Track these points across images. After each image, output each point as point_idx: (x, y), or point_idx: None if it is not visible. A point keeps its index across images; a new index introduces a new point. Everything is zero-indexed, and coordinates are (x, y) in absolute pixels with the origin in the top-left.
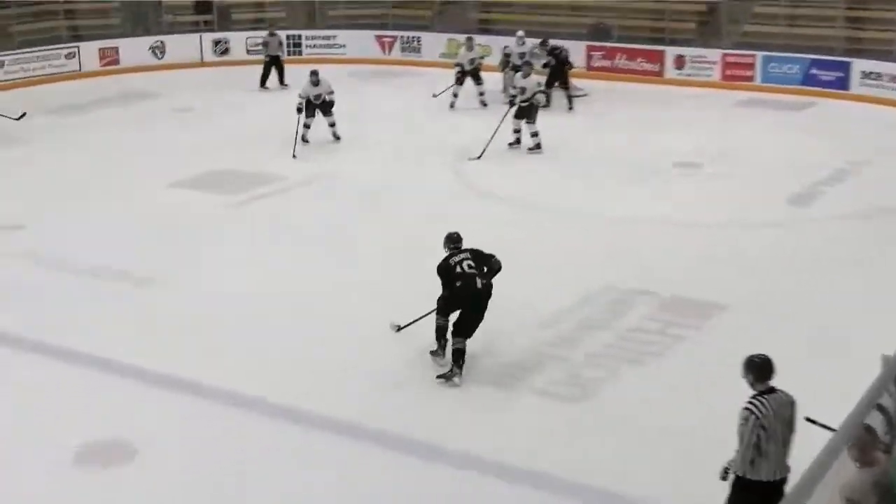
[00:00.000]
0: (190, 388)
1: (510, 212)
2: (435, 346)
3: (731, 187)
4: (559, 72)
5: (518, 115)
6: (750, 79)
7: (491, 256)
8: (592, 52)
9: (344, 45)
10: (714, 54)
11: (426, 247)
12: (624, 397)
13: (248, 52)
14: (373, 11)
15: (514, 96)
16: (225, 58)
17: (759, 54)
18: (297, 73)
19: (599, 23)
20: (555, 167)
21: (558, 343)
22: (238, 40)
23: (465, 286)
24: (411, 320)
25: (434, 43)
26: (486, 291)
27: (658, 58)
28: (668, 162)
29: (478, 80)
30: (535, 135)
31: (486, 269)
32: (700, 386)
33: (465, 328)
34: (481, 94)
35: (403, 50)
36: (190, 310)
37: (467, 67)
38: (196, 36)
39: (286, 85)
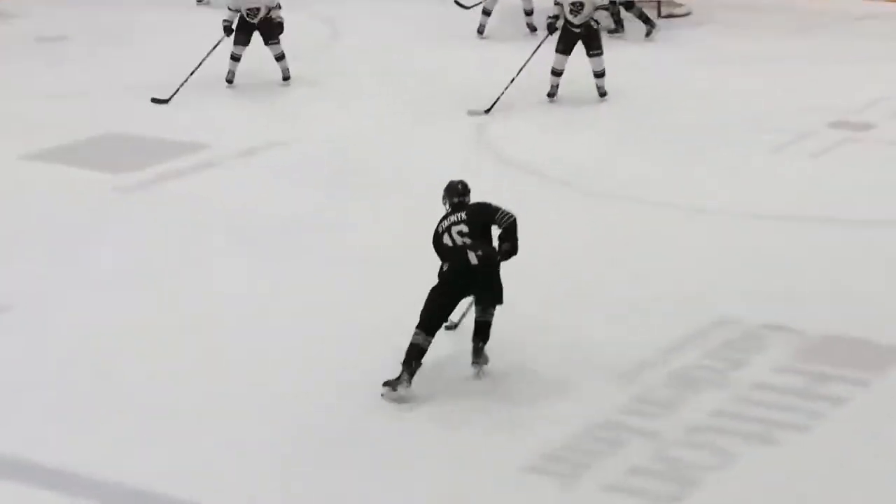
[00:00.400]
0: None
1: (559, 198)
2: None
3: None
4: None
5: (564, 48)
6: None
7: (496, 211)
8: None
9: None
10: None
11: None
12: (743, 496)
13: None
14: None
15: (556, 17)
16: None
17: None
18: None
19: None
20: (632, 128)
21: (641, 409)
22: None
23: (455, 264)
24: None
25: None
26: (488, 264)
27: None
28: (819, 120)
29: None
30: (600, 75)
31: (502, 231)
32: (870, 477)
33: (488, 300)
34: (528, 13)
35: None
36: (51, 350)
37: None
38: None
39: None
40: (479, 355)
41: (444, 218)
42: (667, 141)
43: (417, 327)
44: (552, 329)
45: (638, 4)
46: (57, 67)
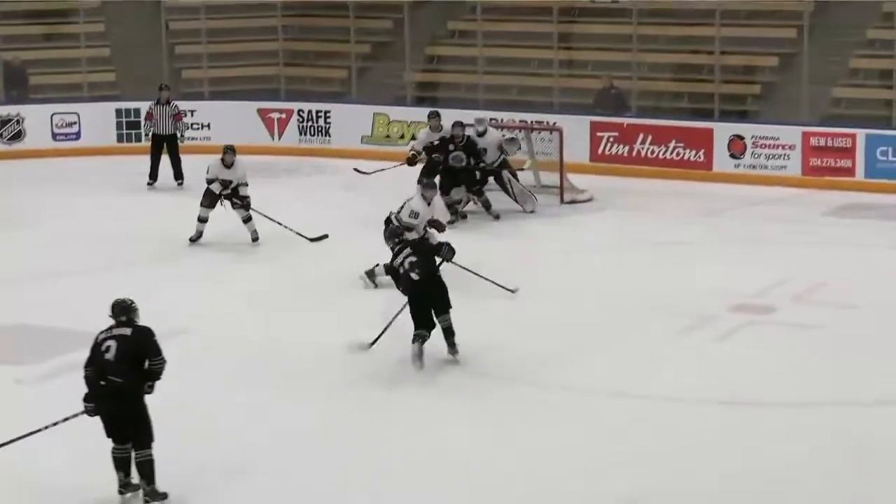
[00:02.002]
0: None
1: (458, 382)
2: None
3: (825, 347)
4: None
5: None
6: (849, 172)
7: (440, 247)
8: (599, 132)
9: (208, 125)
10: (791, 134)
11: None
12: None
13: (56, 137)
14: (253, 72)
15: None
16: (17, 146)
17: (862, 133)
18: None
19: (610, 86)
20: (532, 312)
21: None
22: (39, 118)
23: (408, 287)
24: (380, 332)
25: (351, 120)
26: (430, 276)
27: (703, 140)
28: (720, 305)
29: None
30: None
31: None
32: None
33: (440, 308)
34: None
35: (303, 132)
36: None
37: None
38: None
39: (181, 182)
40: (453, 346)
41: (396, 255)
42: (568, 325)
43: (416, 327)
44: None
45: (484, 197)
46: None
